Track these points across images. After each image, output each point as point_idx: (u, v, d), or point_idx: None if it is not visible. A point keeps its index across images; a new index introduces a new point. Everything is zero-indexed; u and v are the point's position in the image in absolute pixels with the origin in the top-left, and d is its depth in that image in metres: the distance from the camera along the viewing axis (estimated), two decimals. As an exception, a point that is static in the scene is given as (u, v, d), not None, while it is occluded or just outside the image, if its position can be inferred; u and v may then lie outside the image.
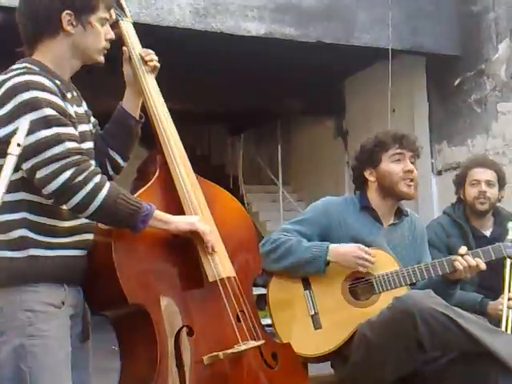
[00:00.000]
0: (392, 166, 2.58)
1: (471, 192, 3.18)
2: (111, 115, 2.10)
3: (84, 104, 2.00)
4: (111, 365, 2.19)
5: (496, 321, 2.89)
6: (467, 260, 2.42)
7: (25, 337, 1.71)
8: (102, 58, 1.92)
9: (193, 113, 8.54)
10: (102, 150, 2.03)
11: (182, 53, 6.01)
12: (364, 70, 7.67)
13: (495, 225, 3.23)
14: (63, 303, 1.79)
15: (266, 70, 7.04)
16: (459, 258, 2.43)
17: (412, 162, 2.60)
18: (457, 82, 6.51)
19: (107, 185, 1.74)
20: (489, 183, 3.18)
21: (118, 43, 2.00)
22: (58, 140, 1.71)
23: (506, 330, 2.77)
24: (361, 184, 2.70)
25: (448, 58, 6.47)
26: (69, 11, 1.81)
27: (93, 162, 1.86)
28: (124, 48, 2.05)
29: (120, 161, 2.07)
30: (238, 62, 6.75)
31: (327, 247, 2.45)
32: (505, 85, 5.95)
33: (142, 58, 2.04)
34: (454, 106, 6.55)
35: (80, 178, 1.70)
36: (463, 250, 2.46)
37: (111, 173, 2.06)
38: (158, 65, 2.07)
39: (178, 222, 1.85)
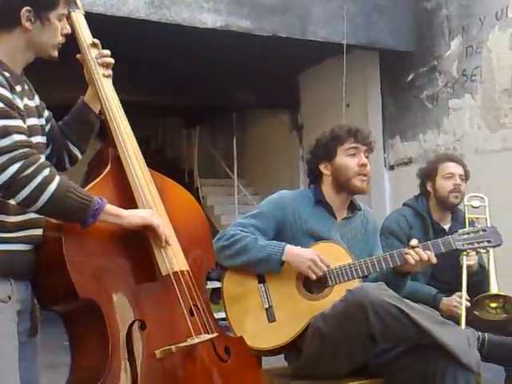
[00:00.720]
0: (347, 159, 2.60)
1: (446, 185, 3.23)
2: (62, 106, 2.09)
3: (36, 98, 1.97)
4: (62, 360, 2.17)
5: (447, 317, 2.94)
6: (419, 253, 2.45)
7: None
8: (56, 53, 1.91)
9: (147, 105, 8.46)
10: (60, 143, 2.03)
11: (136, 44, 5.94)
12: (319, 64, 7.71)
13: (453, 220, 3.31)
14: (9, 298, 1.76)
15: (222, 62, 7.01)
16: (411, 251, 2.46)
17: (366, 157, 2.63)
18: (409, 78, 6.60)
19: (57, 178, 1.72)
20: (461, 178, 3.25)
21: (70, 35, 1.97)
22: (5, 133, 1.68)
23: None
24: (315, 178, 2.72)
25: (401, 53, 6.56)
26: (28, 7, 1.80)
27: (42, 156, 1.83)
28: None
29: (78, 153, 2.09)
30: (193, 54, 6.71)
31: (283, 247, 2.46)
32: (456, 81, 6.06)
33: (94, 44, 2.04)
34: (407, 102, 6.64)
35: (28, 171, 1.67)
36: (414, 241, 2.49)
37: (67, 165, 2.08)
38: (112, 61, 2.06)
39: (131, 217, 1.83)
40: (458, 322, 2.76)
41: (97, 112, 2.08)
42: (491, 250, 2.80)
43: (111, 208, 1.80)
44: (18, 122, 1.74)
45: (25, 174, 1.67)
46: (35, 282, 1.85)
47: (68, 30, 1.92)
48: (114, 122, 1.99)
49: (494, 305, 2.89)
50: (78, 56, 2.07)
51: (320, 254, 2.49)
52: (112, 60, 2.06)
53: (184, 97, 8.33)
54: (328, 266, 2.45)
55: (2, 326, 1.74)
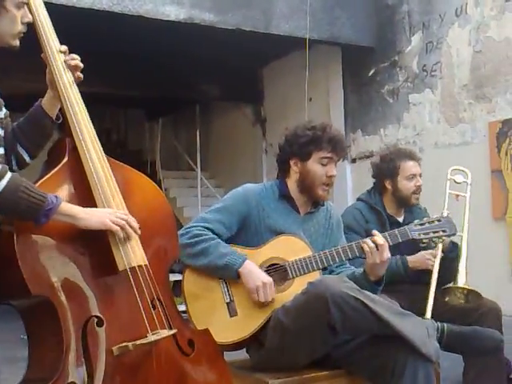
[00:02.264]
0: (318, 167, 2.59)
1: (408, 186, 3.27)
2: (19, 97, 2.00)
3: None
4: (20, 354, 2.16)
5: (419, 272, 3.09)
6: (373, 239, 2.46)
7: None
8: (16, 42, 1.85)
9: (109, 96, 8.36)
10: (10, 144, 1.95)
11: (98, 36, 5.87)
12: (282, 58, 7.73)
13: (406, 212, 3.36)
14: None
15: (186, 55, 6.97)
16: (367, 240, 2.47)
17: (336, 163, 2.64)
18: (371, 73, 6.67)
19: (7, 176, 1.67)
20: (420, 176, 3.30)
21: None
22: None
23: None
24: (283, 169, 2.71)
25: (363, 48, 6.62)
26: None
27: (2, 150, 1.80)
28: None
29: (26, 158, 2.00)
30: (156, 46, 6.65)
31: (243, 260, 2.44)
32: (416, 76, 6.15)
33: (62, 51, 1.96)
34: (368, 96, 6.71)
35: None
36: (375, 232, 2.52)
37: (15, 168, 1.99)
38: (81, 65, 2.00)
39: (88, 219, 1.77)
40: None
41: (54, 117, 2.00)
42: (447, 239, 2.85)
43: (66, 208, 1.75)
44: None
45: None
46: None
47: (29, 18, 1.86)
48: (70, 110, 1.93)
49: (459, 294, 2.98)
50: (43, 56, 1.99)
51: (280, 247, 2.51)
52: (81, 64, 1.99)
53: (147, 89, 8.24)
54: (273, 299, 2.43)
55: None
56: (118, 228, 1.80)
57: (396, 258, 3.09)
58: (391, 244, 2.60)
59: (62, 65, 1.96)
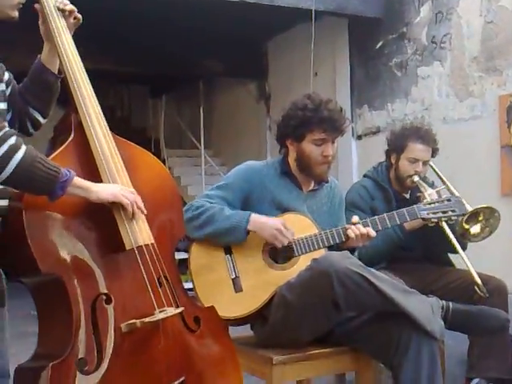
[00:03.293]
0: (312, 148, 2.56)
1: (407, 168, 3.19)
2: (24, 73, 2.00)
3: None
4: (31, 329, 2.17)
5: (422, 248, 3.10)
6: (359, 228, 2.48)
7: None
8: (15, 14, 1.83)
9: (113, 73, 8.32)
10: (21, 108, 1.96)
11: (102, 11, 5.77)
12: (287, 31, 7.63)
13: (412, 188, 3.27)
14: None
15: (188, 29, 6.90)
16: (352, 226, 2.49)
17: (334, 141, 2.59)
18: (378, 46, 6.54)
19: (23, 148, 1.65)
20: (425, 163, 3.20)
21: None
22: None
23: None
24: (282, 147, 2.71)
25: (370, 20, 6.50)
26: None
27: (6, 124, 1.77)
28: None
29: (40, 118, 2.01)
30: (158, 21, 6.59)
31: (248, 217, 2.45)
32: (425, 48, 6.01)
33: (59, 8, 1.94)
34: (375, 70, 6.59)
35: None
36: (355, 219, 2.53)
37: (31, 130, 2.01)
38: (73, 8, 1.97)
39: (100, 191, 1.78)
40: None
41: (55, 71, 1.99)
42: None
43: (80, 181, 1.75)
44: None
45: None
46: (1, 254, 1.81)
47: None
48: (75, 86, 1.91)
49: (478, 217, 3.00)
50: (36, 6, 1.95)
51: (286, 224, 2.48)
52: (74, 7, 1.96)
53: (149, 65, 8.19)
54: (293, 234, 2.46)
55: None
56: (129, 202, 1.81)
57: (392, 227, 2.98)
58: (398, 223, 2.63)
59: (59, 19, 1.94)
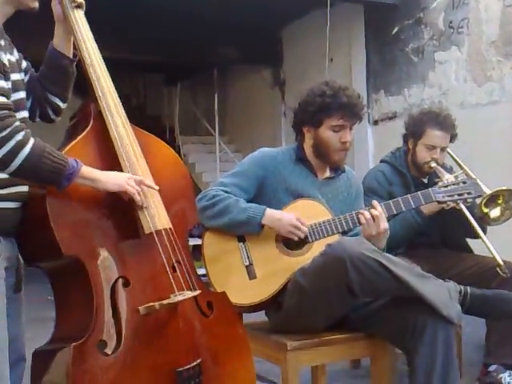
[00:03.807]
0: (330, 134, 2.55)
1: (424, 155, 3.16)
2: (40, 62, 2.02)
3: (15, 51, 1.92)
4: (47, 314, 2.21)
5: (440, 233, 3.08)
6: (368, 212, 2.43)
7: None
8: (35, 4, 1.85)
9: (128, 62, 8.32)
10: (40, 95, 1.99)
11: (117, 1, 5.77)
12: (302, 17, 7.58)
13: (431, 172, 3.24)
14: None
15: (203, 17, 6.87)
16: (364, 211, 2.44)
17: (352, 127, 2.58)
18: (394, 31, 6.48)
19: (30, 142, 1.70)
20: (443, 149, 3.16)
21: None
22: None
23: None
24: (298, 134, 2.69)
25: (386, 6, 6.45)
26: None
27: (25, 113, 1.84)
28: None
29: (60, 103, 2.04)
30: (173, 9, 6.56)
31: (263, 211, 2.45)
32: (442, 34, 5.94)
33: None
34: (392, 56, 6.53)
35: (2, 134, 1.66)
36: (374, 202, 2.48)
37: (53, 116, 2.04)
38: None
39: (107, 182, 1.81)
40: None
41: (69, 55, 2.01)
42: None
43: (87, 172, 1.78)
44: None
45: None
46: (20, 239, 1.86)
47: None
48: (94, 75, 1.94)
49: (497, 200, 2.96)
50: None
51: (300, 211, 2.49)
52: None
53: (164, 53, 8.19)
54: (307, 227, 2.44)
55: None
56: (135, 191, 1.83)
57: (409, 210, 2.93)
58: (414, 207, 2.58)
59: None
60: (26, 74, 1.98)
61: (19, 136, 1.68)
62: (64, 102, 2.05)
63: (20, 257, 1.91)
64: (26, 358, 1.95)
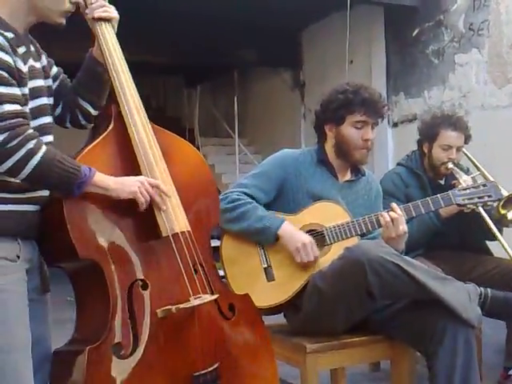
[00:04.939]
0: (353, 131, 2.55)
1: (440, 156, 3.17)
2: (63, 64, 2.04)
3: (44, 58, 1.94)
4: (67, 315, 2.22)
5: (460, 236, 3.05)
6: (388, 214, 2.41)
7: None
8: (62, 20, 1.86)
9: (148, 64, 8.36)
10: (71, 100, 2.00)
11: (137, 3, 5.81)
12: (322, 20, 7.57)
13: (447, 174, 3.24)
14: (18, 257, 1.78)
15: (223, 20, 6.89)
16: (384, 213, 2.43)
17: (373, 127, 2.58)
18: (415, 33, 6.45)
19: (42, 150, 1.71)
20: (458, 149, 3.16)
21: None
22: None
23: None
24: (320, 135, 2.68)
25: (407, 8, 6.42)
26: None
27: (47, 119, 1.85)
28: None
29: (90, 109, 2.04)
30: (193, 11, 6.58)
31: (281, 223, 2.43)
32: (463, 36, 5.91)
33: (100, 18, 1.97)
34: (412, 58, 6.50)
35: (13, 142, 1.67)
36: (394, 205, 2.47)
37: (83, 122, 2.05)
38: (113, 15, 1.99)
39: (119, 190, 1.81)
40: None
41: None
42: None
43: (99, 180, 1.78)
44: (12, 90, 1.71)
45: (9, 145, 1.67)
46: (41, 241, 1.87)
47: None
48: (115, 76, 1.95)
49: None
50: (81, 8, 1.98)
51: (319, 213, 2.49)
52: (114, 16, 1.99)
53: (184, 55, 8.22)
54: (316, 257, 2.41)
55: (13, 284, 1.76)
56: (144, 200, 1.83)
57: (428, 213, 2.94)
58: (433, 210, 2.57)
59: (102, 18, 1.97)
60: (54, 81, 2.00)
61: (30, 144, 1.69)
62: (96, 109, 2.05)
63: (42, 258, 1.93)
64: None
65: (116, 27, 2.01)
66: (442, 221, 3.03)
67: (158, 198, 1.86)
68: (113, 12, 1.99)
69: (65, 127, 2.07)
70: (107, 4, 1.98)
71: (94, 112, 2.05)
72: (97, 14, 1.95)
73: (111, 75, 1.95)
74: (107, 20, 1.97)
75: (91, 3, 1.95)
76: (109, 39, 1.97)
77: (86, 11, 1.96)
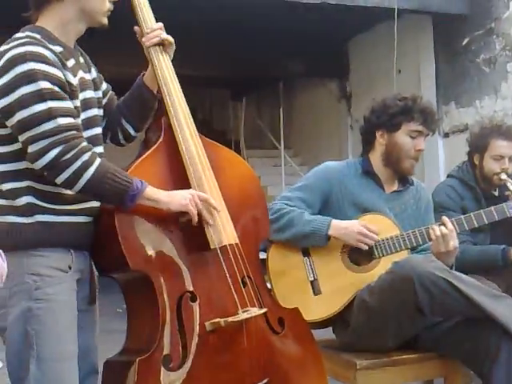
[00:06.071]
0: (407, 140, 2.51)
1: (492, 166, 3.08)
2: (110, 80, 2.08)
3: (93, 70, 1.98)
4: (116, 326, 2.27)
5: None
6: (438, 229, 2.36)
7: (32, 300, 1.74)
8: (105, 20, 1.91)
9: (194, 77, 8.43)
10: (115, 118, 2.04)
11: (183, 16, 5.88)
12: (369, 30, 7.53)
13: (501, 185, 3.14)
14: (70, 268, 1.81)
15: (269, 32, 6.92)
16: (434, 227, 2.38)
17: (425, 138, 2.55)
18: (464, 42, 6.34)
19: (96, 163, 1.74)
20: (510, 159, 3.07)
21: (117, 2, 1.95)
22: (49, 116, 1.70)
23: None
24: (368, 143, 2.63)
25: (455, 17, 6.33)
26: None
27: (98, 130, 1.89)
28: None
29: (131, 131, 2.08)
30: (239, 24, 6.62)
31: (329, 222, 2.41)
32: (515, 44, 5.77)
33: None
34: (462, 67, 6.39)
35: (68, 155, 1.71)
36: (445, 219, 2.41)
37: (122, 141, 2.09)
38: (167, 39, 2.02)
39: (170, 203, 1.83)
40: None
41: (154, 89, 2.05)
42: None
43: (151, 193, 1.81)
44: (65, 104, 1.75)
45: (64, 158, 1.70)
46: (93, 251, 1.91)
47: None
48: (165, 89, 1.97)
49: None
50: (136, 28, 2.03)
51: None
52: (171, 39, 2.03)
53: (230, 68, 8.28)
54: (376, 234, 2.40)
55: (64, 294, 1.79)
56: (195, 213, 1.84)
57: (498, 247, 2.91)
58: (487, 222, 2.50)
59: (157, 44, 2.01)
60: (104, 96, 2.03)
61: (85, 156, 1.73)
62: (136, 131, 2.09)
63: (94, 269, 1.96)
64: (98, 371, 1.97)
65: (172, 55, 2.05)
66: (506, 261, 2.91)
67: (206, 212, 1.87)
68: (168, 37, 2.02)
69: (104, 142, 2.09)
70: (164, 33, 2.01)
71: (134, 133, 2.09)
72: (151, 42, 2.00)
73: (161, 85, 1.98)
74: (162, 45, 2.01)
75: (147, 33, 2.00)
76: (163, 63, 1.99)
77: (143, 39, 2.01)
